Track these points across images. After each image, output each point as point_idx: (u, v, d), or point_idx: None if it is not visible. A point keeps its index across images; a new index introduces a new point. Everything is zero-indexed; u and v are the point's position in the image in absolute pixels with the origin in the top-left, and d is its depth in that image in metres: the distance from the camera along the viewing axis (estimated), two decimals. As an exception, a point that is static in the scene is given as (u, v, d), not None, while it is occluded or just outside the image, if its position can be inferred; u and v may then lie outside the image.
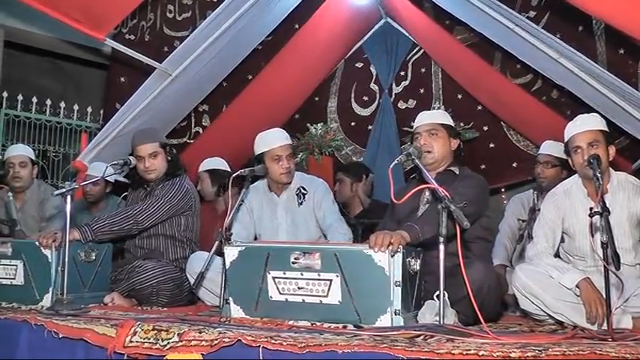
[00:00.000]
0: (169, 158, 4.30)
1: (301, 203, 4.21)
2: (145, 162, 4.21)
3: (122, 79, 6.16)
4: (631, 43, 4.42)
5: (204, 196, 5.23)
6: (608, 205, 2.89)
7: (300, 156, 6.00)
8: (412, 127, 3.82)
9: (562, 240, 3.62)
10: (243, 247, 3.11)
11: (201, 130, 6.45)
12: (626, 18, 3.24)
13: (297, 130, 6.46)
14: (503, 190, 6.65)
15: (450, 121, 3.74)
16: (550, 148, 4.70)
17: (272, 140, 4.18)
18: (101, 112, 6.99)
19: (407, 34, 6.92)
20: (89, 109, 7.66)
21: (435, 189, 2.89)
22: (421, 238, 3.05)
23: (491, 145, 6.53)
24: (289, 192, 4.26)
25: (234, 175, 3.62)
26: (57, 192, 3.62)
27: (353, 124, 7.19)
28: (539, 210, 3.85)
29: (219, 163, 5.29)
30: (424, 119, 3.71)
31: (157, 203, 4.12)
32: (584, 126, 3.46)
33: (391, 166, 3.01)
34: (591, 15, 4.45)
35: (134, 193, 4.44)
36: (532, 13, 5.31)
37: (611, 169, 3.53)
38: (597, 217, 2.83)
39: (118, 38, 5.86)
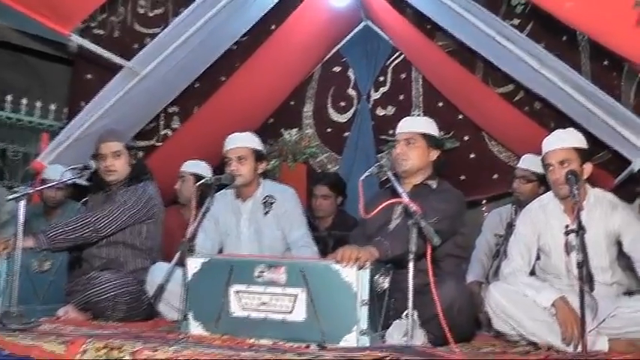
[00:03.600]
0: (133, 162, 4.27)
1: (267, 212, 4.16)
2: (106, 160, 4.17)
3: (88, 76, 6.10)
4: (615, 55, 4.46)
5: (180, 197, 5.23)
6: (584, 223, 2.91)
7: (272, 162, 5.98)
8: (390, 136, 3.81)
9: (538, 257, 3.65)
10: (207, 259, 3.10)
11: (170, 133, 6.40)
12: (608, 33, 3.27)
13: (270, 135, 6.44)
14: (484, 202, 6.67)
15: (433, 130, 3.74)
16: (527, 162, 4.73)
17: (228, 143, 4.19)
18: (65, 110, 6.92)
19: (387, 38, 6.94)
20: (52, 107, 7.57)
21: (406, 204, 2.89)
22: (390, 255, 3.05)
23: (472, 156, 6.54)
24: (255, 200, 4.22)
25: (198, 183, 3.62)
26: (10, 196, 3.57)
27: (329, 130, 7.16)
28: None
29: (205, 169, 5.25)
30: (404, 126, 3.74)
31: (118, 210, 4.07)
32: (556, 143, 3.50)
33: (362, 178, 3.03)
34: (574, 28, 4.48)
35: (94, 196, 4.40)
36: (516, 21, 5.32)
37: (588, 185, 3.56)
38: (573, 235, 2.86)
39: (86, 33, 5.79)
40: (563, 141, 3.49)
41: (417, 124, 3.78)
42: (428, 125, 3.75)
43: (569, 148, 3.45)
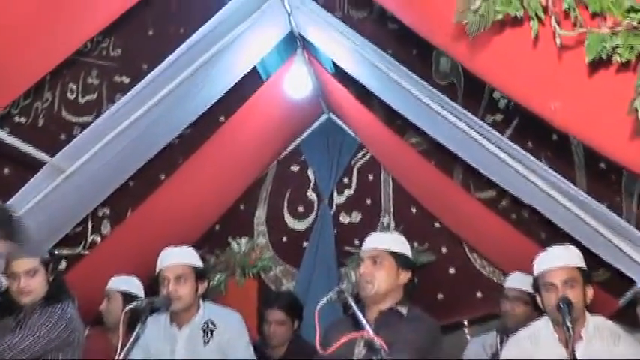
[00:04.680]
0: (51, 278, 4.16)
1: (207, 341, 4.07)
2: (20, 281, 4.05)
3: (6, 172, 6.04)
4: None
5: (107, 319, 5.06)
6: (581, 358, 2.88)
7: (217, 278, 5.89)
8: (355, 247, 3.80)
9: (529, 396, 3.59)
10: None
11: (99, 239, 6.30)
12: (601, 138, 3.30)
13: (216, 244, 6.36)
14: (466, 323, 6.61)
15: (403, 249, 3.72)
16: (520, 281, 4.75)
17: (163, 259, 4.16)
18: (-23, 211, 6.81)
19: (352, 133, 7.02)
20: (-37, 207, 7.46)
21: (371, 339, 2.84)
22: (351, 397, 2.99)
23: (451, 271, 6.54)
24: (193, 325, 4.12)
25: (127, 307, 3.54)
26: None
27: (285, 239, 7.14)
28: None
29: (136, 287, 5.15)
30: (370, 243, 3.72)
31: (32, 336, 3.91)
32: (559, 260, 3.51)
33: (318, 307, 2.97)
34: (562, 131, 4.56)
35: (2, 321, 4.25)
36: (499, 116, 5.40)
37: (586, 312, 3.54)
38: (568, 373, 2.83)
39: (6, 121, 5.77)
40: (567, 258, 3.52)
41: (385, 240, 3.76)
42: (398, 242, 3.74)
43: (573, 267, 3.48)
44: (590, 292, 3.51)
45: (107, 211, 6.34)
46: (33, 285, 4.08)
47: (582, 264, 3.54)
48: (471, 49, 2.87)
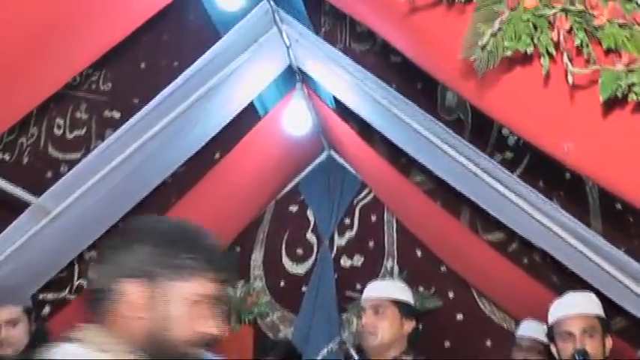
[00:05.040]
0: (34, 328, 4.11)
1: None
2: (0, 332, 4.01)
3: (-13, 213, 6.01)
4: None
5: None
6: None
7: (211, 324, 5.82)
8: (357, 292, 3.79)
9: None
10: None
11: (85, 284, 6.25)
12: (618, 179, 3.29)
13: (210, 289, 6.26)
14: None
15: (406, 297, 3.73)
16: (534, 330, 4.72)
17: None
18: (-42, 254, 6.78)
19: (354, 171, 7.02)
20: (-56, 250, 7.44)
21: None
22: None
23: (459, 317, 6.50)
24: None
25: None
26: None
27: (283, 283, 7.09)
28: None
29: None
30: (371, 291, 3.73)
31: (12, 391, 3.90)
32: (577, 308, 3.49)
33: (319, 359, 2.95)
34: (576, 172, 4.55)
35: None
36: (508, 154, 5.40)
37: (604, 363, 3.51)
38: None
39: (-11, 158, 5.77)
40: (584, 306, 3.50)
41: (387, 289, 3.78)
42: (400, 290, 3.75)
43: (593, 316, 3.45)
44: (609, 342, 3.49)
45: (95, 254, 6.28)
46: (15, 336, 4.04)
47: (601, 313, 3.52)
48: (479, 87, 2.85)
